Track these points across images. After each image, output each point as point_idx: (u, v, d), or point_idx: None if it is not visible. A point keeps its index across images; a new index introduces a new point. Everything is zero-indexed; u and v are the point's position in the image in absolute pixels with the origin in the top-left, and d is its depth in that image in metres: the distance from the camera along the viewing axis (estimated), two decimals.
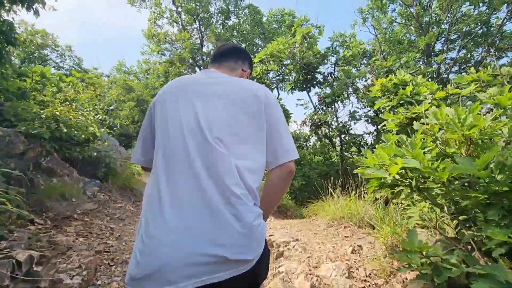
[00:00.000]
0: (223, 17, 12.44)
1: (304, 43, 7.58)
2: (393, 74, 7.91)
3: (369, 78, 7.99)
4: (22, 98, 4.99)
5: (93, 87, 6.63)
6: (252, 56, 12.26)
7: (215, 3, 12.19)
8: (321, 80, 8.49)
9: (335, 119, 7.58)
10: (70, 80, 6.69)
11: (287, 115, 9.40)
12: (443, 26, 11.01)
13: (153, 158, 0.91)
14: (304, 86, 8.51)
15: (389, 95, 4.36)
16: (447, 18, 11.01)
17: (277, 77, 7.97)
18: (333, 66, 8.04)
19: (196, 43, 13.21)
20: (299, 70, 8.27)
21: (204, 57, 13.24)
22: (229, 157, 0.81)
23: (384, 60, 8.41)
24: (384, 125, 4.31)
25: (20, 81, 5.37)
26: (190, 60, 13.20)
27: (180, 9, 12.69)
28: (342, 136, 7.84)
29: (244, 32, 11.57)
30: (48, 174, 3.78)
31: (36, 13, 3.12)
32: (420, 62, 10.23)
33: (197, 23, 13.12)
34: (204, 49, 13.43)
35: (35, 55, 13.97)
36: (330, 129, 7.41)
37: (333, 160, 8.07)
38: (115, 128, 11.72)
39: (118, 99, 18.78)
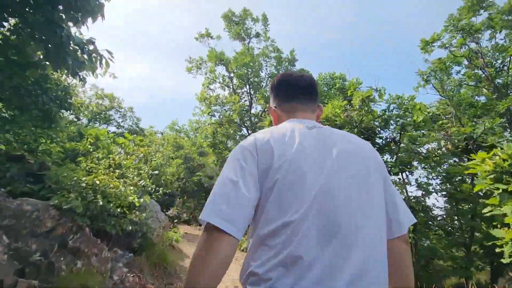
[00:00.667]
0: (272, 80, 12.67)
1: (364, 107, 6.90)
2: (473, 141, 6.58)
3: (443, 146, 6.81)
4: (74, 161, 4.93)
5: (143, 149, 6.53)
6: None
7: (266, 69, 12.59)
8: (383, 146, 7.50)
9: (405, 193, 6.32)
10: (122, 142, 6.73)
11: None
12: None
13: None
14: None
15: (501, 175, 3.25)
16: None
17: None
18: (398, 131, 7.08)
19: (245, 105, 13.46)
20: (358, 135, 7.43)
21: (252, 118, 13.27)
22: None
23: (461, 124, 7.25)
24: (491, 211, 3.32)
25: (74, 144, 5.43)
26: (238, 121, 13.31)
27: (232, 75, 13.33)
28: (415, 213, 6.42)
29: None
30: (74, 254, 3.26)
31: (83, 80, 2.94)
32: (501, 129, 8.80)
33: (247, 86, 13.54)
34: (253, 111, 13.54)
35: (101, 115, 15.48)
36: None
37: None
38: (158, 189, 11.69)
39: (168, 156, 19.56)
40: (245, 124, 13.17)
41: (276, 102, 1.01)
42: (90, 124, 15.70)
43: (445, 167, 8.11)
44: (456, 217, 7.14)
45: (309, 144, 0.78)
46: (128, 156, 6.72)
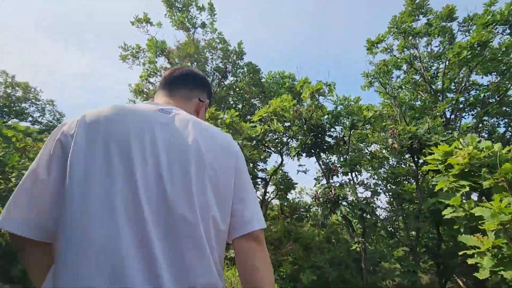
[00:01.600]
0: (220, 76, 11.72)
1: (314, 102, 6.38)
2: (417, 140, 6.42)
3: (390, 145, 6.63)
4: None
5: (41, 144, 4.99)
6: (251, 116, 11.23)
7: (211, 62, 11.59)
8: (333, 144, 7.09)
9: (355, 194, 5.91)
10: (11, 134, 5.09)
11: (290, 184, 7.74)
12: (450, 95, 10.38)
13: None
14: (312, 151, 7.05)
15: (469, 172, 2.80)
16: (456, 86, 10.46)
17: (278, 140, 6.55)
18: (348, 129, 6.72)
19: None
20: (307, 132, 6.91)
21: None
22: None
23: (406, 124, 7.22)
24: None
25: None
26: None
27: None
28: (364, 215, 6.07)
29: (242, 91, 10.67)
30: None
31: None
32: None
33: None
34: None
35: (11, 107, 12.73)
36: (350, 208, 5.67)
37: (353, 248, 6.11)
38: None
39: None
40: None
41: (156, 93, 1.00)
42: None
43: (386, 168, 8.13)
44: (401, 218, 7.04)
45: (143, 129, 0.70)
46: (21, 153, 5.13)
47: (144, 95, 10.80)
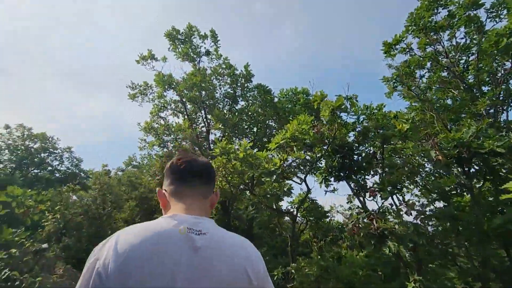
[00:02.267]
0: (230, 102, 11.25)
1: (335, 119, 5.59)
2: (466, 148, 5.51)
3: (434, 157, 5.64)
4: None
5: (43, 206, 4.58)
6: (268, 140, 10.54)
7: (220, 89, 11.18)
8: (363, 163, 6.19)
9: (400, 224, 4.91)
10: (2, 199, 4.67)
11: (321, 214, 6.82)
12: (485, 88, 9.22)
13: None
14: (341, 174, 6.18)
15: None
16: (490, 78, 9.29)
17: (302, 166, 5.76)
18: (379, 145, 5.83)
19: (203, 131, 11.81)
20: (331, 153, 6.08)
21: (212, 146, 11.61)
22: None
23: (448, 130, 6.23)
24: None
25: None
26: (197, 151, 11.53)
27: (184, 99, 11.73)
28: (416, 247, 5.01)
29: (255, 115, 10.07)
30: None
31: None
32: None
33: (203, 111, 11.97)
34: (212, 137, 11.90)
35: (30, 159, 12.84)
36: (399, 242, 4.67)
37: None
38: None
39: (123, 198, 16.91)
40: (204, 153, 11.43)
41: (166, 184, 1.02)
42: (17, 172, 12.97)
43: (430, 184, 7.04)
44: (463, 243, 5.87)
45: (176, 262, 0.77)
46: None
47: (154, 132, 10.45)
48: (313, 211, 6.67)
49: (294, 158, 4.98)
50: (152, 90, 11.65)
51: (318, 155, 5.75)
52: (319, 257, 7.48)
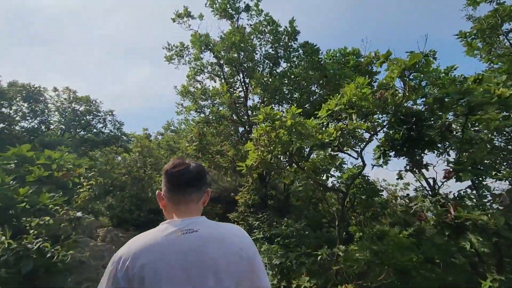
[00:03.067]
0: (271, 64, 10.26)
1: (406, 82, 4.53)
2: None
3: None
4: None
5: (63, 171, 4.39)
6: (310, 106, 9.58)
7: (260, 49, 10.18)
8: (432, 139, 5.12)
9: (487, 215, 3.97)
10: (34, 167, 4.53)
11: (374, 192, 6.00)
12: None
13: None
14: (404, 148, 5.21)
15: None
16: None
17: (357, 140, 4.89)
18: (460, 115, 4.70)
19: (240, 97, 11.13)
20: (395, 124, 5.10)
21: (250, 112, 10.96)
22: None
23: None
24: None
25: None
26: (234, 117, 10.99)
27: (221, 61, 10.98)
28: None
29: (298, 78, 9.05)
30: None
31: None
32: None
33: (241, 74, 11.18)
34: (250, 103, 11.21)
35: (77, 121, 13.36)
36: (483, 236, 3.78)
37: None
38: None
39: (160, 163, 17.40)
40: (242, 120, 10.87)
41: (164, 190, 1.19)
42: (65, 134, 13.65)
43: None
44: None
45: (174, 262, 0.99)
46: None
47: (190, 96, 9.99)
48: (365, 188, 5.88)
49: (352, 128, 4.12)
50: (189, 51, 11.02)
51: (379, 125, 4.80)
52: (370, 239, 6.83)
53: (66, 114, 13.41)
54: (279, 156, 5.28)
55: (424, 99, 5.07)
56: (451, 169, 4.36)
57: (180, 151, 16.04)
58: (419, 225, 4.96)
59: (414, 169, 8.36)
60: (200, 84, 11.49)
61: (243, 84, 11.17)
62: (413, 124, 4.97)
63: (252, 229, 9.24)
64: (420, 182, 5.31)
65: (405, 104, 5.04)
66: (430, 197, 4.69)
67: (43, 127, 12.62)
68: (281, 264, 6.66)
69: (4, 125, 10.56)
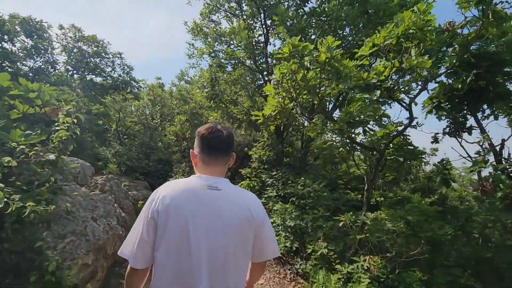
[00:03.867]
0: (298, 1, 8.71)
1: (492, 8, 3.26)
2: None
3: None
4: None
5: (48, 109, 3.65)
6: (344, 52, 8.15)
7: None
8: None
9: None
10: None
11: (414, 154, 5.03)
12: None
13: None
14: (465, 102, 4.09)
15: None
16: None
17: (410, 85, 3.79)
18: None
19: (259, 41, 9.79)
20: (460, 68, 3.93)
21: (269, 60, 9.71)
22: None
23: None
24: None
25: None
26: (249, 63, 9.80)
27: None
28: None
29: (330, 17, 7.57)
30: None
31: None
32: None
33: (261, 15, 9.69)
34: (270, 49, 9.88)
35: (83, 63, 12.52)
36: None
37: None
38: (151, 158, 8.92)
39: (174, 112, 16.73)
40: (261, 67, 9.68)
41: (197, 151, 1.36)
42: (70, 75, 12.95)
43: None
44: None
45: (197, 208, 1.18)
46: None
47: (203, 36, 8.77)
48: (403, 149, 4.92)
49: (409, 68, 3.03)
50: None
51: (442, 64, 3.64)
52: (394, 205, 6.08)
53: (72, 54, 12.53)
54: (304, 104, 4.31)
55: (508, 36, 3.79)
56: None
57: (193, 102, 15.22)
58: (481, 197, 4.02)
59: (458, 132, 7.15)
60: (215, 24, 10.14)
61: (263, 26, 9.73)
62: (486, 70, 3.78)
63: (265, 187, 8.68)
64: (479, 146, 4.25)
65: (478, 43, 3.81)
66: (495, 164, 3.70)
67: (49, 67, 11.85)
68: (295, 226, 6.10)
69: (7, 63, 9.81)
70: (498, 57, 3.70)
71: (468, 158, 7.39)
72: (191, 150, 1.39)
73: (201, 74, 8.58)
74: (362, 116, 3.61)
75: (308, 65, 3.68)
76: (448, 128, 7.10)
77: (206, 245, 1.13)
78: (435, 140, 7.57)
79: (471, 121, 6.93)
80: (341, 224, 4.68)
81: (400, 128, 4.59)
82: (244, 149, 11.11)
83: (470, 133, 7.10)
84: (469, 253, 4.64)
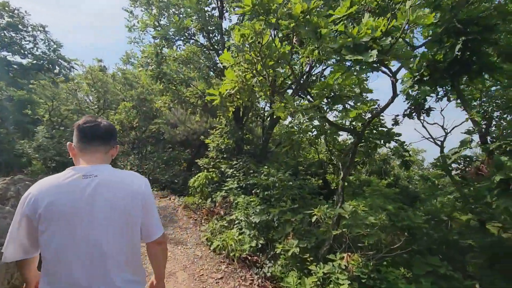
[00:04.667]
0: None
1: None
2: None
3: None
4: None
5: None
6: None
7: None
8: (495, 59, 3.55)
9: None
10: None
11: (390, 136, 4.56)
12: None
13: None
14: (445, 75, 3.64)
15: None
16: None
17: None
18: None
19: (213, 16, 8.64)
20: (446, 36, 3.45)
21: (225, 38, 8.66)
22: None
23: None
24: None
25: None
26: (202, 40, 8.66)
27: None
28: None
29: None
30: None
31: None
32: None
33: None
34: (225, 25, 8.82)
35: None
36: None
37: None
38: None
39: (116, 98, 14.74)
40: (215, 46, 8.60)
41: (75, 141, 1.32)
42: None
43: None
44: None
45: (71, 199, 1.14)
46: None
47: (145, 2, 7.34)
48: (378, 131, 4.42)
49: (410, 22, 2.35)
50: None
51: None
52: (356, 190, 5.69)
53: None
54: (270, 78, 3.49)
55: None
56: None
57: (141, 86, 13.51)
58: (473, 181, 3.63)
59: (421, 112, 6.95)
60: None
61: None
62: (475, 38, 3.32)
63: (225, 178, 7.81)
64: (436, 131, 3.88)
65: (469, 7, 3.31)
66: (481, 145, 3.31)
67: None
68: (261, 223, 5.38)
69: None
70: (487, 22, 3.23)
71: (431, 140, 7.34)
72: (68, 143, 1.36)
73: (144, 50, 7.19)
74: (345, 90, 2.90)
75: (277, 23, 2.82)
76: (409, 110, 6.89)
77: (84, 233, 1.13)
78: (396, 122, 7.33)
79: (430, 103, 6.74)
80: (314, 219, 4.07)
81: (375, 108, 4.04)
82: (199, 137, 10.03)
83: (428, 115, 7.00)
84: (439, 237, 4.40)
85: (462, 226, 5.48)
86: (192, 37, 7.94)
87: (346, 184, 9.55)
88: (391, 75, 2.91)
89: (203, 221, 7.10)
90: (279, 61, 3.30)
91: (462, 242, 4.80)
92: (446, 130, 6.93)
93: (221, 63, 7.48)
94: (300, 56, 2.97)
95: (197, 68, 8.05)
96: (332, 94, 2.94)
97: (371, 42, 2.24)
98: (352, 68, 2.54)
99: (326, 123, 3.72)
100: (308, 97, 3.46)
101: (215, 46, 8.66)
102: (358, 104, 3.29)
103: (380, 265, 3.72)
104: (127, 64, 18.44)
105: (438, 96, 4.70)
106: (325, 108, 3.11)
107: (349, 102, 3.23)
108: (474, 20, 3.29)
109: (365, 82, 3.17)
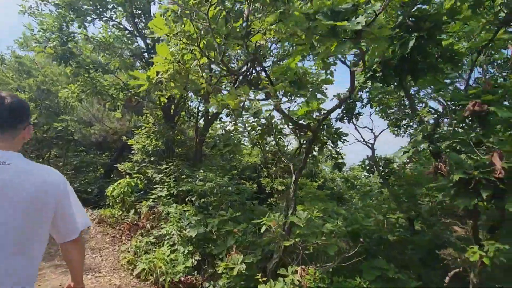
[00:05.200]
0: None
1: None
2: None
3: None
4: None
5: None
6: None
7: None
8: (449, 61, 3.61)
9: None
10: None
11: (339, 136, 4.33)
12: None
13: None
14: (400, 72, 3.58)
15: None
16: None
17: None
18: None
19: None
20: (401, 30, 3.37)
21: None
22: None
23: None
24: None
25: None
26: (126, 23, 7.45)
27: None
28: None
29: None
30: None
31: None
32: None
33: None
34: (154, 9, 7.81)
35: None
36: None
37: None
38: None
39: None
40: (139, 26, 7.45)
41: None
42: None
43: None
44: None
45: None
46: None
47: None
48: (327, 129, 4.16)
49: None
50: None
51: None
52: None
53: None
54: (216, 60, 2.81)
55: None
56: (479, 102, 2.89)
57: (42, 74, 11.00)
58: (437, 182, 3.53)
59: (352, 116, 7.18)
60: None
61: None
62: (422, 35, 3.27)
63: (153, 184, 6.68)
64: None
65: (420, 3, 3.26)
66: (430, 144, 3.26)
67: None
68: (198, 236, 4.56)
69: None
70: (438, 18, 3.22)
71: (362, 142, 7.66)
72: None
73: (42, 21, 5.45)
74: (312, 77, 2.43)
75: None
76: (341, 114, 7.04)
77: None
78: (341, 120, 7.42)
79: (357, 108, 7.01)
80: (263, 229, 3.51)
81: (324, 107, 3.74)
82: (121, 138, 8.54)
83: (357, 119, 7.30)
84: (394, 240, 4.38)
85: (392, 225, 5.68)
86: (113, 19, 6.62)
87: (279, 185, 9.21)
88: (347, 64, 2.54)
89: (123, 238, 5.84)
90: (231, 34, 2.63)
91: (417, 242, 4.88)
92: (374, 133, 7.30)
93: (149, 38, 6.35)
94: (254, 31, 2.36)
95: (118, 55, 6.73)
96: (296, 78, 2.45)
97: (352, 11, 1.80)
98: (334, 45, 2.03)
99: (275, 119, 3.21)
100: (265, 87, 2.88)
101: (143, 33, 7.45)
102: (317, 96, 2.86)
103: (335, 275, 3.39)
104: (25, 48, 15.03)
105: (387, 96, 4.72)
106: (281, 99, 2.58)
107: (307, 94, 2.77)
108: (426, 16, 3.24)
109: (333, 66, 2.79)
